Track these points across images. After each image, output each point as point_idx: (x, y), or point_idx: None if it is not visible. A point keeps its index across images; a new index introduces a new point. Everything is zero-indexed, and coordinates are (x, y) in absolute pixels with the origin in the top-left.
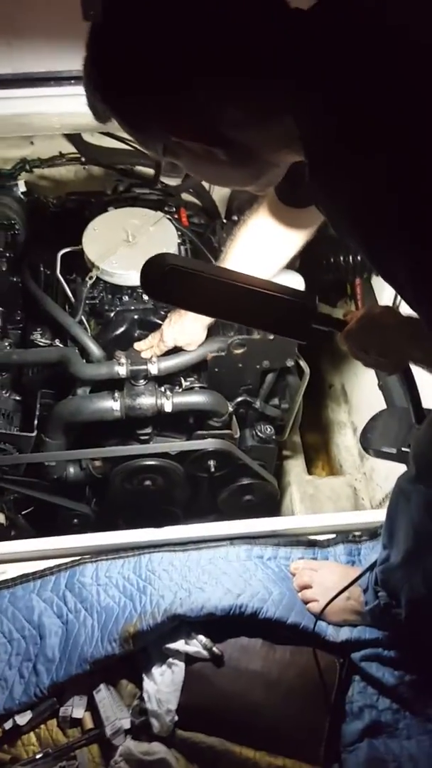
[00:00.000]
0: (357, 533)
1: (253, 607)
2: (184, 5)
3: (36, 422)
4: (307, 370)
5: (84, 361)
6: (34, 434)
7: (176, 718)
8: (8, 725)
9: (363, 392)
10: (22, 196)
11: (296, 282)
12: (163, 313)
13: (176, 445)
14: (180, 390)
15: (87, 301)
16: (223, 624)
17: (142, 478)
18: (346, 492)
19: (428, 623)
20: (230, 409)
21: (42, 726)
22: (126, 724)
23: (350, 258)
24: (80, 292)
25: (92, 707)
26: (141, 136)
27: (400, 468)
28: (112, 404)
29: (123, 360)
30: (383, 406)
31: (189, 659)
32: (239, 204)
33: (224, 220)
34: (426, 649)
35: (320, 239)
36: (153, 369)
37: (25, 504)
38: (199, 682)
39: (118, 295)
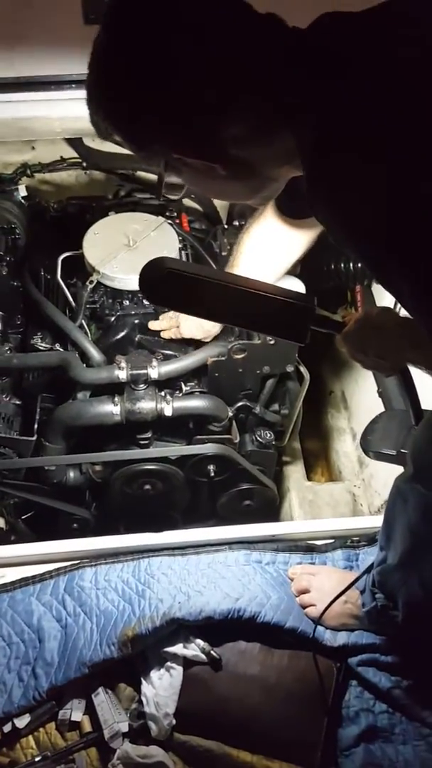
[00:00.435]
0: (355, 538)
1: (251, 612)
2: (185, 25)
3: (36, 426)
4: (307, 375)
5: (84, 365)
6: (34, 438)
7: (174, 721)
8: (7, 728)
9: (363, 399)
10: (23, 201)
11: (297, 288)
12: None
13: (176, 449)
14: (180, 394)
15: (87, 306)
16: (222, 628)
17: (142, 483)
18: (345, 498)
19: (425, 624)
20: (230, 413)
21: (41, 729)
22: (124, 727)
23: (351, 265)
24: (81, 296)
25: (91, 711)
26: (143, 152)
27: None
28: (112, 408)
29: (123, 364)
30: (377, 414)
31: (187, 663)
32: (240, 209)
33: (225, 226)
34: (422, 652)
35: (321, 247)
36: (153, 373)
37: (24, 508)
38: (197, 685)
39: (119, 300)
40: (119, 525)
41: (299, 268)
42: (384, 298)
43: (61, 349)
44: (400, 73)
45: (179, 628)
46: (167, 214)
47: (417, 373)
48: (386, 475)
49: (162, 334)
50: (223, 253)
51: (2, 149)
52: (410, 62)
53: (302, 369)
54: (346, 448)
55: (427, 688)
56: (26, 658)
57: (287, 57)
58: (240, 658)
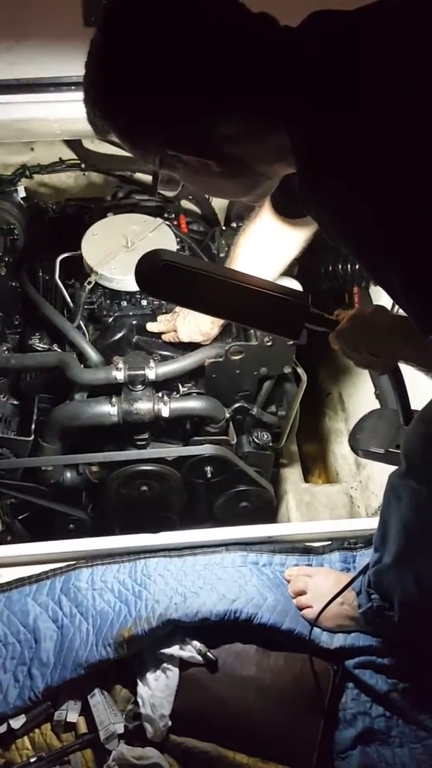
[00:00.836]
0: (352, 540)
1: (247, 613)
2: (179, 25)
3: (33, 427)
4: (304, 377)
5: (82, 365)
6: (31, 439)
7: (170, 723)
8: (2, 729)
9: (360, 401)
10: (21, 202)
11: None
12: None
13: (173, 450)
14: (177, 396)
15: (85, 306)
16: (218, 630)
17: (139, 484)
18: (342, 500)
19: (421, 624)
20: (227, 415)
21: (36, 730)
22: (120, 728)
23: (348, 267)
24: (79, 297)
25: (86, 712)
26: (138, 150)
27: None
28: (109, 409)
29: (121, 365)
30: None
31: (183, 664)
32: (238, 211)
33: (223, 228)
34: (419, 652)
35: (318, 248)
36: (150, 374)
37: (21, 509)
38: (193, 687)
39: (117, 301)
40: (116, 526)
41: (296, 270)
42: (381, 299)
43: (59, 350)
44: (394, 71)
45: (175, 630)
46: (165, 215)
47: (411, 373)
48: (383, 477)
49: (162, 338)
50: (221, 255)
51: (1, 150)
52: (404, 60)
53: (299, 370)
54: (343, 450)
55: (423, 691)
56: (22, 659)
57: (280, 56)
58: (236, 660)
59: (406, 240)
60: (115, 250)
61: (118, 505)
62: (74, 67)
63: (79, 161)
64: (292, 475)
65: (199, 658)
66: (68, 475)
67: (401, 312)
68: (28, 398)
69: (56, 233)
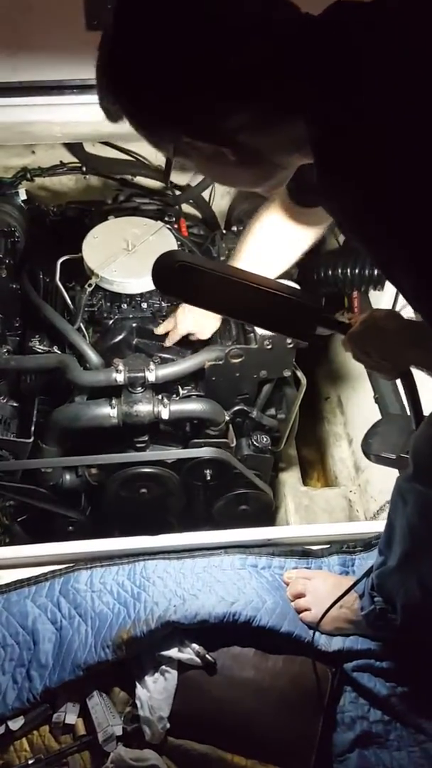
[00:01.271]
0: (351, 544)
1: (246, 615)
2: (195, 11)
3: (33, 428)
4: (304, 381)
5: (82, 368)
6: (31, 440)
7: (168, 725)
8: (0, 731)
9: (359, 405)
10: (22, 204)
11: None
12: (161, 321)
13: (172, 453)
14: (177, 398)
15: (86, 309)
16: (216, 633)
17: (138, 486)
18: (341, 504)
19: (423, 627)
20: (227, 418)
21: (34, 732)
22: (118, 730)
23: (347, 271)
24: (79, 299)
25: (85, 714)
26: (152, 136)
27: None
28: (109, 411)
29: (121, 367)
30: (379, 418)
31: (182, 667)
32: (238, 215)
33: (224, 231)
34: (420, 655)
35: (318, 252)
36: (150, 376)
37: (20, 510)
38: (191, 689)
39: (117, 303)
40: (115, 528)
41: (296, 273)
42: (380, 303)
43: (59, 352)
44: (412, 64)
45: (174, 632)
46: (166, 219)
47: (420, 378)
48: (382, 481)
49: (167, 340)
50: (221, 258)
51: (3, 153)
52: (423, 53)
53: (299, 374)
54: (342, 453)
55: (422, 694)
56: (21, 660)
57: (299, 44)
58: (234, 663)
59: (415, 237)
60: (116, 252)
61: (117, 507)
62: (76, 70)
63: (80, 164)
64: (291, 478)
65: (198, 660)
66: (67, 477)
67: (414, 317)
68: (27, 400)
69: (57, 236)
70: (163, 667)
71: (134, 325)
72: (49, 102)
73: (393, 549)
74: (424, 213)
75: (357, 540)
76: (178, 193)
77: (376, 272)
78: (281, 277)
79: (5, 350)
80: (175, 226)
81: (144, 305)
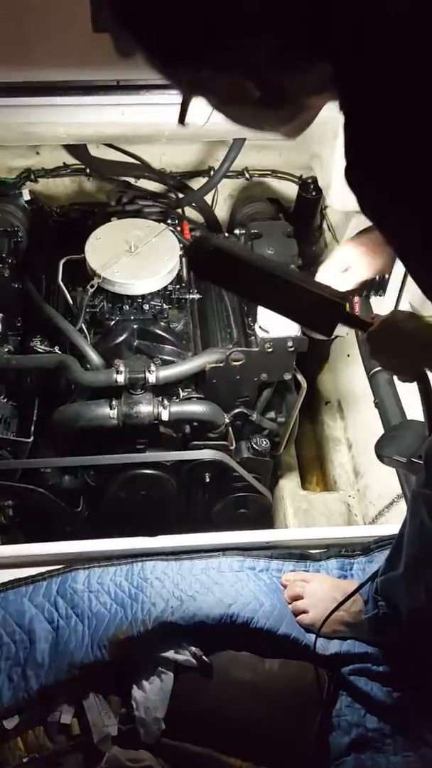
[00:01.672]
0: (350, 548)
1: (244, 617)
2: None
3: (33, 428)
4: (304, 384)
5: (83, 368)
6: (30, 440)
7: (164, 726)
8: None
9: (359, 409)
10: (26, 205)
11: None
12: (163, 323)
13: (172, 454)
14: (177, 400)
15: (87, 310)
16: (213, 635)
17: (137, 488)
18: (340, 508)
19: (427, 633)
20: (227, 420)
21: (29, 731)
22: (113, 731)
23: None
24: (81, 300)
25: (80, 714)
26: (169, 68)
27: (394, 487)
28: (109, 412)
29: (122, 368)
30: (379, 423)
31: (178, 668)
32: (241, 219)
33: (226, 234)
34: (420, 662)
35: (318, 256)
36: (151, 378)
37: (18, 510)
38: (187, 691)
39: (119, 305)
40: (113, 528)
41: None
42: (381, 309)
43: (60, 352)
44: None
45: (171, 633)
46: (169, 221)
47: None
48: (381, 486)
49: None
50: None
51: (7, 154)
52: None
53: (299, 377)
54: (341, 458)
55: (419, 699)
56: (17, 659)
57: None
58: (231, 665)
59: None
60: (118, 254)
61: (115, 508)
62: (82, 71)
63: (83, 166)
64: (290, 482)
65: (194, 662)
66: (66, 477)
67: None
68: (28, 400)
69: (60, 237)
70: (160, 668)
71: (135, 326)
72: (53, 103)
73: (401, 554)
74: None
75: (356, 544)
76: (180, 196)
77: (377, 278)
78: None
79: (6, 350)
80: (178, 228)
81: (146, 307)
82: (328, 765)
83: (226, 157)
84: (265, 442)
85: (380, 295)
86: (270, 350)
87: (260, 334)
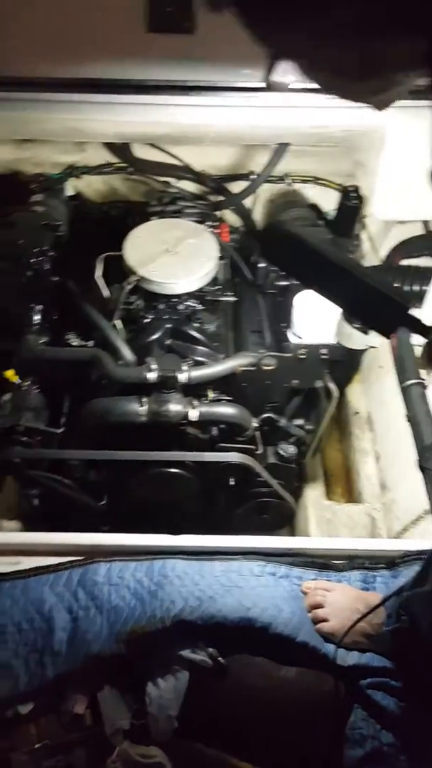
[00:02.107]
0: (374, 561)
1: (262, 622)
2: None
3: (63, 420)
4: (335, 393)
5: (115, 363)
6: (60, 431)
7: (176, 724)
8: (10, 713)
9: (389, 422)
10: (68, 200)
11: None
12: (196, 324)
13: (198, 454)
14: (206, 401)
15: (123, 307)
16: (231, 637)
17: (161, 486)
18: (364, 521)
19: None
20: (255, 424)
21: (43, 718)
22: (126, 725)
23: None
24: (117, 296)
25: (94, 706)
26: (260, 28)
27: (422, 502)
28: (138, 408)
29: (154, 366)
30: (410, 438)
31: (194, 668)
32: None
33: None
34: None
35: None
36: (182, 377)
37: (43, 499)
38: (201, 691)
39: (154, 303)
40: (133, 524)
41: None
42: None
43: (93, 347)
44: None
45: (189, 633)
46: (208, 223)
47: None
48: (408, 500)
49: None
50: (260, 265)
51: (53, 149)
52: None
53: (331, 386)
54: (368, 470)
55: None
56: (34, 646)
57: None
58: (247, 669)
59: None
60: (157, 253)
61: (138, 504)
62: (135, 71)
63: (126, 165)
64: (314, 491)
65: (210, 662)
66: (92, 470)
67: None
68: (59, 392)
69: (99, 233)
70: (175, 666)
71: (169, 326)
72: (104, 100)
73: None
74: None
75: (379, 557)
76: (220, 198)
77: (419, 288)
78: None
79: (42, 341)
80: (217, 231)
81: (180, 307)
82: None
83: (269, 162)
84: (291, 449)
85: (417, 306)
86: (303, 357)
87: (294, 340)
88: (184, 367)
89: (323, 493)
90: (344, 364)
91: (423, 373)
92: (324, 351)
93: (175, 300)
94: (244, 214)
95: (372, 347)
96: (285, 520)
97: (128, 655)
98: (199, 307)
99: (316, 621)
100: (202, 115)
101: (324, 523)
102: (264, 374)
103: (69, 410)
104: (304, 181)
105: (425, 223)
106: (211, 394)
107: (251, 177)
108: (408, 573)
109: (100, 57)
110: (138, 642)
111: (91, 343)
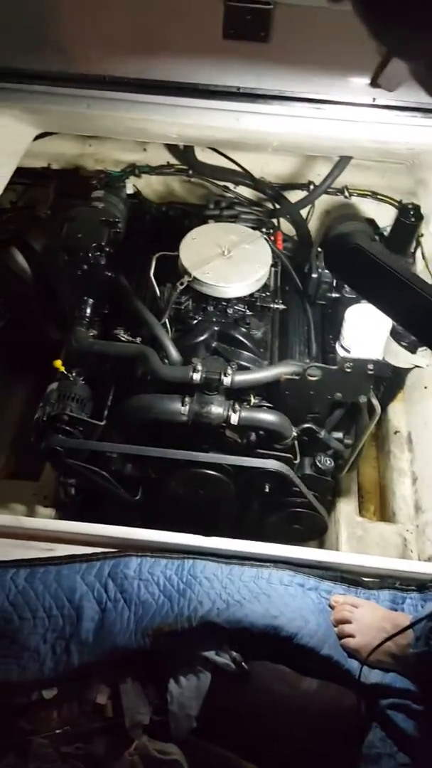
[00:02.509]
0: (405, 582)
1: (288, 632)
2: None
3: (106, 413)
4: (378, 409)
5: (161, 362)
6: (102, 423)
7: (195, 724)
8: (34, 696)
9: (430, 444)
10: (128, 198)
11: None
12: (243, 329)
13: (236, 459)
14: (248, 406)
15: (173, 306)
16: (255, 643)
17: (196, 486)
18: (395, 541)
19: None
20: (294, 433)
21: (65, 705)
22: (145, 719)
23: None
24: (169, 296)
25: (116, 698)
26: (377, 25)
27: None
28: (180, 408)
29: (199, 367)
30: None
31: (216, 670)
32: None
33: (318, 250)
34: None
35: None
36: (227, 380)
37: (80, 489)
38: (222, 694)
39: (204, 305)
40: (166, 522)
41: None
42: None
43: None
44: None
45: (213, 635)
46: (264, 230)
47: None
48: None
49: None
50: (313, 275)
51: (116, 147)
52: None
53: (374, 402)
54: (404, 490)
55: None
56: (62, 633)
57: None
58: (269, 677)
59: None
60: (212, 256)
61: (171, 502)
62: (206, 75)
63: (186, 167)
64: (348, 506)
65: (233, 666)
66: (129, 465)
67: None
68: (104, 385)
69: (156, 232)
70: (199, 666)
71: (216, 328)
72: (171, 102)
73: None
74: None
75: (410, 579)
76: (277, 206)
77: None
78: None
79: (91, 334)
80: (272, 238)
81: (229, 311)
82: None
83: (330, 174)
84: (329, 462)
85: None
86: (349, 370)
87: (341, 353)
88: (229, 371)
89: (356, 509)
90: (389, 381)
91: None
92: (371, 366)
93: (225, 303)
94: (299, 223)
95: (418, 366)
96: (317, 533)
97: (153, 651)
98: (248, 312)
99: (342, 636)
100: (266, 123)
101: (355, 539)
102: (308, 384)
103: (112, 404)
104: (362, 195)
105: None
106: (253, 400)
107: (310, 187)
108: None
109: (172, 59)
110: (163, 639)
111: (139, 339)
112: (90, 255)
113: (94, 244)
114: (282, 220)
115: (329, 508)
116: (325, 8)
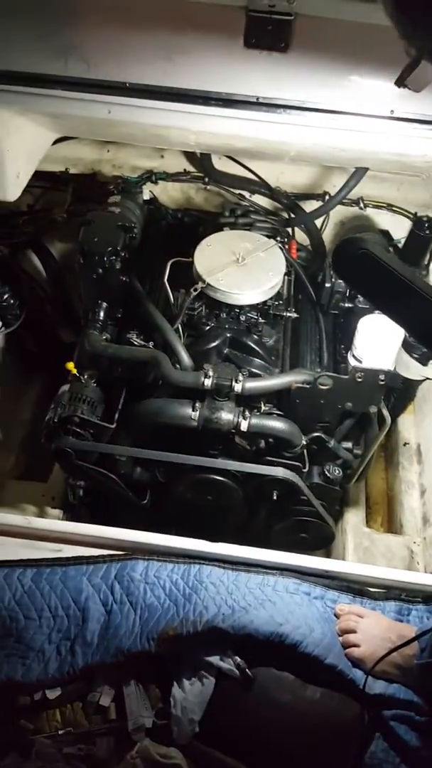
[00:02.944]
0: (412, 594)
1: (293, 639)
2: None
3: (116, 416)
4: (388, 420)
5: (173, 367)
6: (113, 426)
7: (197, 729)
8: (37, 696)
9: None
10: (144, 204)
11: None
12: (255, 336)
13: (245, 465)
14: (258, 413)
15: (186, 312)
16: (259, 650)
17: (204, 492)
18: (402, 553)
19: None
20: (304, 442)
21: (68, 705)
22: (148, 723)
23: None
24: (182, 302)
25: (119, 700)
26: (409, 28)
27: None
28: (190, 413)
29: (211, 373)
30: None
31: (220, 676)
32: None
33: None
34: None
35: None
36: (237, 387)
37: (88, 491)
38: (226, 700)
39: (217, 312)
40: (173, 526)
41: None
42: None
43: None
44: None
45: (218, 640)
46: (278, 239)
47: None
48: None
49: None
50: (327, 285)
51: (133, 153)
52: None
53: (385, 412)
54: (412, 502)
55: None
56: (67, 634)
57: None
58: (273, 684)
59: None
60: (226, 263)
61: (178, 507)
62: (226, 84)
63: (202, 175)
64: (355, 516)
65: (237, 672)
66: (138, 469)
67: None
68: (116, 388)
69: (171, 238)
70: (202, 671)
71: (229, 335)
72: (190, 110)
73: None
74: None
75: (416, 591)
76: (292, 216)
77: None
78: None
79: (104, 338)
80: (286, 246)
81: (242, 318)
82: None
83: (346, 185)
84: (337, 471)
85: None
86: (360, 380)
87: (353, 362)
88: (240, 378)
89: (363, 520)
90: (400, 392)
91: None
92: (382, 377)
93: (238, 310)
94: (314, 233)
95: (428, 379)
96: (323, 542)
97: (157, 655)
98: (261, 319)
99: (347, 645)
100: (284, 133)
101: (361, 550)
102: (319, 393)
103: (123, 407)
104: (377, 207)
105: None
106: (263, 407)
107: (325, 197)
108: None
109: (193, 68)
110: (168, 643)
111: (151, 344)
112: (105, 259)
113: (109, 249)
114: (296, 229)
115: (336, 517)
116: (344, 20)
